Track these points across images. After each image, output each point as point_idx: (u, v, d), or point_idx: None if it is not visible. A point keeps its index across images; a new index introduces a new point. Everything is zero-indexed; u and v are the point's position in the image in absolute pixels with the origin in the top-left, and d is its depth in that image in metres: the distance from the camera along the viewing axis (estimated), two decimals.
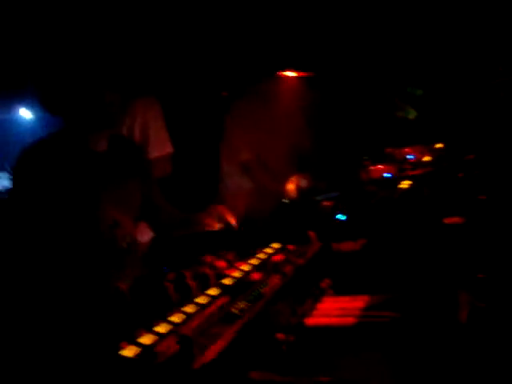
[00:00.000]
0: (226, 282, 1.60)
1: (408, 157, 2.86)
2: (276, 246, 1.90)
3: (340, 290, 1.69)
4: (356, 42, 3.59)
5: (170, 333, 1.26)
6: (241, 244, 1.95)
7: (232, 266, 1.74)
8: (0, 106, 3.36)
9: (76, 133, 2.01)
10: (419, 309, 1.49)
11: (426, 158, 2.80)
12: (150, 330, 1.27)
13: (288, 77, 3.10)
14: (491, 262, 1.69)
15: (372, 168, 2.70)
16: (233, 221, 2.20)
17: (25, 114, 3.51)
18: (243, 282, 1.59)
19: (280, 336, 1.39)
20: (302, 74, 3.09)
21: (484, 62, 3.78)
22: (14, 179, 2.00)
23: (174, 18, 3.33)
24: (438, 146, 2.96)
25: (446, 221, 1.97)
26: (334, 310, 1.59)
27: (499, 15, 3.61)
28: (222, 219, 2.22)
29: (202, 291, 1.55)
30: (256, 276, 1.63)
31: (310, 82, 3.19)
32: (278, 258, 1.77)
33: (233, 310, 1.40)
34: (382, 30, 3.62)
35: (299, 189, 2.74)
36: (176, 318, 1.37)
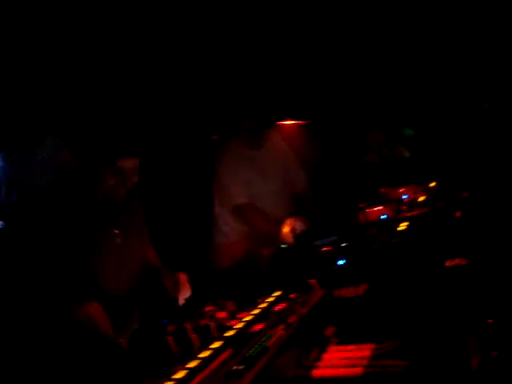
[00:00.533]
0: (229, 334, 1.55)
1: (403, 197, 2.86)
2: (277, 294, 1.86)
3: (345, 338, 1.65)
4: (348, 87, 3.65)
5: None
6: (241, 293, 1.91)
7: (233, 316, 1.70)
8: None
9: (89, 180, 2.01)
10: (428, 356, 1.45)
11: (421, 198, 2.80)
12: None
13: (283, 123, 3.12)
14: (499, 306, 1.67)
15: (369, 210, 2.69)
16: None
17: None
18: (246, 334, 1.55)
19: None
20: (296, 121, 3.11)
21: (471, 100, 3.85)
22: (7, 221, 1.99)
23: (170, 65, 3.36)
24: (432, 184, 2.97)
25: (449, 263, 1.95)
26: (340, 360, 1.54)
27: (483, 54, 3.70)
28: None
29: (204, 344, 1.50)
30: (259, 327, 1.59)
31: (304, 126, 3.21)
32: (281, 307, 1.73)
33: (237, 364, 1.36)
34: (373, 76, 3.69)
35: (295, 232, 2.70)
36: (179, 375, 1.32)
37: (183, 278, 2.16)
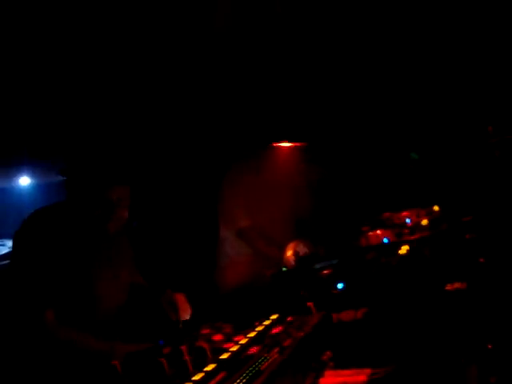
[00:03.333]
0: (223, 356, 1.54)
1: (406, 221, 2.85)
2: (274, 317, 1.85)
3: (341, 363, 1.63)
4: (349, 110, 3.66)
5: None
6: (238, 315, 1.90)
7: (229, 339, 1.68)
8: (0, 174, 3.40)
9: (78, 208, 2.03)
10: (425, 382, 1.43)
11: (424, 222, 2.79)
12: None
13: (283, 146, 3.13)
14: (499, 330, 1.64)
15: (370, 234, 2.68)
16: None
17: (24, 181, 3.54)
18: (241, 357, 1.54)
19: None
20: (297, 144, 3.12)
21: (476, 124, 3.84)
22: (15, 245, 2.01)
23: (172, 93, 3.41)
24: (435, 208, 2.96)
25: (449, 287, 1.93)
26: None
27: (488, 78, 3.71)
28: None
29: (198, 367, 1.49)
30: (254, 350, 1.58)
31: (305, 150, 3.22)
32: (277, 330, 1.71)
33: None
34: (374, 98, 3.71)
35: (297, 256, 2.70)
36: None
37: (181, 298, 2.15)
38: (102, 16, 2.75)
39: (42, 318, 1.88)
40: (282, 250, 2.77)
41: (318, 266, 2.40)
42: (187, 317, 2.15)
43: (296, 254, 2.72)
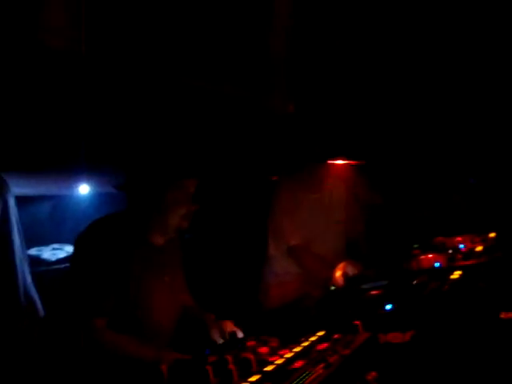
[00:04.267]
0: (268, 368, 1.55)
1: (459, 246, 2.79)
2: (321, 333, 1.85)
3: None
4: (408, 131, 3.63)
5: None
6: (285, 330, 1.91)
7: (275, 352, 1.70)
8: (61, 182, 3.54)
9: (139, 221, 2.10)
10: None
11: (478, 248, 2.72)
12: None
13: (337, 163, 3.13)
14: None
15: (422, 257, 2.64)
16: None
17: (84, 190, 3.67)
18: (285, 370, 1.55)
19: None
20: (352, 161, 3.12)
21: None
22: (77, 250, 2.08)
23: (227, 107, 3.47)
24: (491, 235, 2.88)
25: (504, 315, 1.87)
26: None
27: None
28: None
29: (243, 377, 1.51)
30: (299, 364, 1.58)
31: (359, 168, 3.21)
32: (323, 346, 1.71)
33: None
34: (432, 118, 3.66)
35: (347, 276, 2.69)
36: None
37: (230, 325, 2.14)
38: None
39: (90, 324, 1.93)
40: (332, 269, 2.76)
41: (366, 286, 2.37)
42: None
43: (345, 274, 2.71)
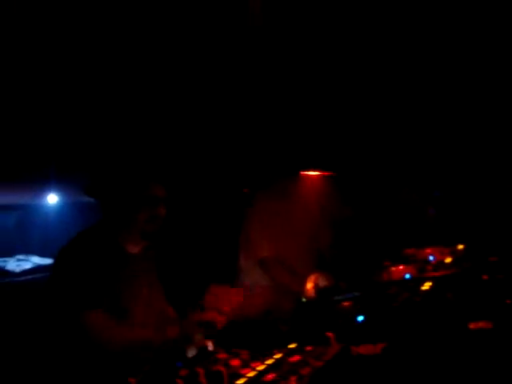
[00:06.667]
0: (240, 381, 1.53)
1: (429, 258, 2.82)
2: (293, 346, 1.83)
3: None
4: (377, 145, 3.67)
5: None
6: (257, 343, 1.89)
7: (246, 364, 1.67)
8: (28, 192, 3.46)
9: (111, 232, 2.09)
10: None
11: (447, 260, 2.75)
12: None
13: (310, 175, 3.14)
14: None
15: (393, 269, 2.65)
16: None
17: (52, 199, 3.60)
18: (258, 383, 1.53)
19: None
20: (324, 173, 3.13)
21: (504, 162, 3.81)
22: (55, 268, 2.04)
23: (199, 118, 3.46)
24: (460, 247, 2.92)
25: (472, 326, 1.89)
26: None
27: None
28: None
29: None
30: (271, 377, 1.56)
31: (331, 180, 3.23)
32: (295, 358, 1.70)
33: None
34: (404, 132, 3.71)
35: (318, 288, 2.68)
36: None
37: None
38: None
39: (86, 315, 1.90)
40: (303, 281, 2.75)
41: (338, 298, 2.38)
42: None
43: (316, 286, 2.71)
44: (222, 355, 1.79)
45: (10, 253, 3.52)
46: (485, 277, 2.35)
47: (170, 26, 2.99)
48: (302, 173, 3.09)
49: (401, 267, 2.65)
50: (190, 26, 3.03)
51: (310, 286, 2.72)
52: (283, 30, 3.19)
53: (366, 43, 3.33)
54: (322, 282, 2.73)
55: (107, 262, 2.01)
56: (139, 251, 2.15)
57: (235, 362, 1.70)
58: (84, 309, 1.91)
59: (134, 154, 2.14)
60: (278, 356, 1.73)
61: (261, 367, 1.63)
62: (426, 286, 2.33)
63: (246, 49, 3.18)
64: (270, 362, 1.68)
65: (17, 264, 3.58)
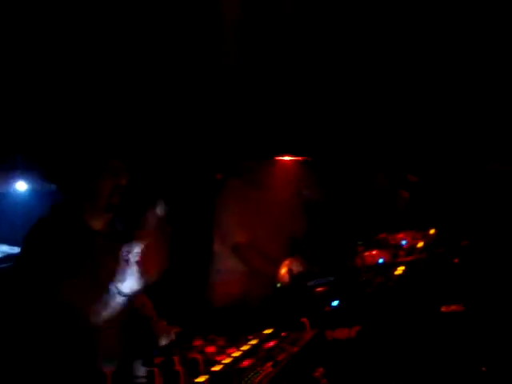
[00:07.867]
0: (216, 368, 1.53)
1: (402, 242, 2.85)
2: (268, 332, 1.83)
3: (334, 380, 1.62)
4: (353, 129, 3.68)
5: None
6: (232, 329, 1.89)
7: (222, 351, 1.67)
8: None
9: (75, 210, 2.07)
10: None
11: (420, 244, 2.79)
12: None
13: (283, 160, 3.13)
14: (494, 352, 1.64)
15: (366, 254, 2.68)
16: None
17: (21, 187, 3.53)
18: (233, 369, 1.53)
19: None
20: (298, 158, 3.13)
21: (477, 149, 3.87)
22: (23, 251, 2.03)
23: (172, 100, 3.42)
24: (432, 231, 2.96)
25: (444, 309, 1.92)
26: None
27: (492, 108, 3.74)
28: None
29: (190, 378, 1.48)
30: (247, 363, 1.56)
31: (304, 165, 3.23)
32: (271, 344, 1.70)
33: None
34: (378, 116, 3.73)
35: (292, 273, 2.69)
36: None
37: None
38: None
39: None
40: (277, 267, 2.76)
41: (312, 283, 2.39)
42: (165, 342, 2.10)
43: (290, 271, 2.71)
44: (198, 342, 1.78)
45: None
46: (456, 260, 2.39)
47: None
48: (275, 158, 3.08)
49: (374, 252, 2.68)
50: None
51: (284, 271, 2.73)
52: (261, 18, 3.17)
53: (339, 26, 3.33)
54: (296, 267, 2.73)
55: (72, 240, 2.00)
56: (103, 227, 2.12)
57: (211, 349, 1.69)
58: (56, 281, 1.89)
59: (95, 129, 2.14)
60: (253, 342, 1.73)
61: (237, 353, 1.63)
62: (399, 270, 2.36)
63: (219, 35, 3.15)
64: (245, 348, 1.68)
65: None
